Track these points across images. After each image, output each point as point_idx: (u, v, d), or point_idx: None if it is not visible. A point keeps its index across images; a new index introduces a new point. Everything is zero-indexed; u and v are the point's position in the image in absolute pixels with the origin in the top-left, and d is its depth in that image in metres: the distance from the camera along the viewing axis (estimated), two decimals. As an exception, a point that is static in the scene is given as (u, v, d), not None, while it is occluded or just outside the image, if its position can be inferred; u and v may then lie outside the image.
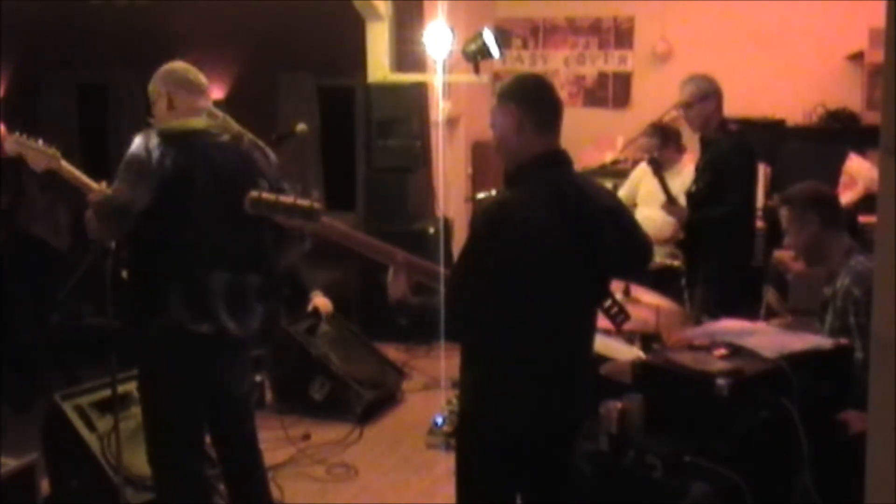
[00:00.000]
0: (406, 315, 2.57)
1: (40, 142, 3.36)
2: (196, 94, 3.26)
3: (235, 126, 3.26)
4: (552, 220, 2.47)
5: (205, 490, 3.46)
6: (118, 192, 3.05)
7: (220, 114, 3.27)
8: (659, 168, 4.79)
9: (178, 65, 3.31)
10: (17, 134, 3.37)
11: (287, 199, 2.51)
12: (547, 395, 2.55)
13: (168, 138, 3.08)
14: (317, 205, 2.52)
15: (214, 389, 3.26)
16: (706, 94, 4.55)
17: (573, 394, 2.59)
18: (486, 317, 2.47)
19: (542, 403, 2.55)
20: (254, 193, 2.52)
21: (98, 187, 3.24)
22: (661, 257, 4.94)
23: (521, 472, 2.63)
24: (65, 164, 3.34)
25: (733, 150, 4.56)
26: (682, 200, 4.78)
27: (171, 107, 3.23)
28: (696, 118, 4.61)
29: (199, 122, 3.19)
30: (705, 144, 4.71)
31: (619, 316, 2.67)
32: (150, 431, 3.28)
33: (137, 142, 3.07)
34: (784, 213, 3.42)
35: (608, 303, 2.67)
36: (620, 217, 2.68)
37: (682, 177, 5.30)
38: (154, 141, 3.06)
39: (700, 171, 4.72)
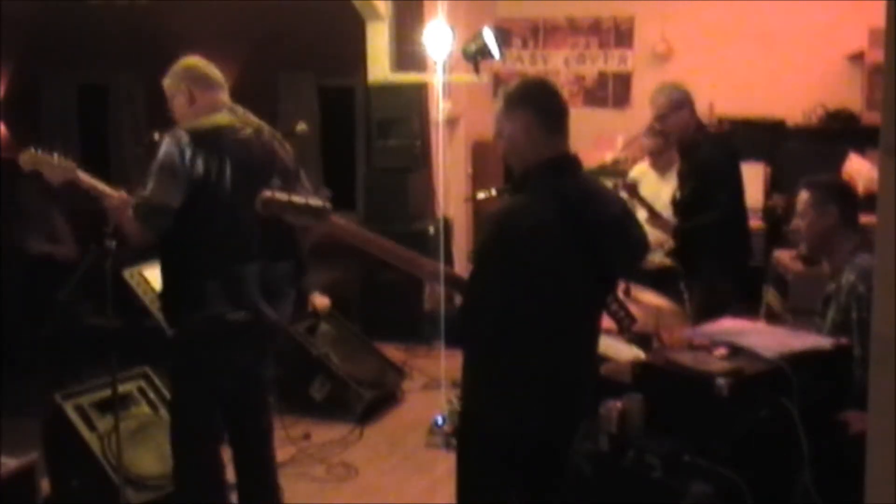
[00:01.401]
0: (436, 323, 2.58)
1: (55, 155, 3.36)
2: (215, 89, 3.31)
3: (255, 119, 3.33)
4: (556, 226, 2.47)
5: (225, 486, 3.50)
6: (155, 193, 3.11)
7: (239, 108, 3.33)
8: (635, 191, 4.77)
9: (195, 60, 3.35)
10: (32, 150, 3.36)
11: (299, 199, 2.52)
12: (548, 397, 2.56)
13: (198, 137, 3.14)
14: (328, 205, 2.53)
15: (240, 377, 3.34)
16: (678, 103, 4.57)
17: (574, 396, 2.60)
18: (491, 319, 2.49)
19: (544, 405, 2.56)
20: (266, 193, 2.53)
21: (117, 194, 3.27)
22: (660, 257, 4.94)
23: (522, 472, 2.63)
24: (82, 174, 3.36)
25: (715, 153, 4.55)
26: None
27: (191, 102, 3.27)
28: (672, 128, 4.64)
29: (224, 119, 3.24)
30: (685, 151, 4.70)
31: (625, 320, 2.69)
32: (180, 427, 3.36)
33: (168, 142, 3.13)
34: (804, 196, 3.33)
35: (614, 306, 2.68)
36: (626, 224, 2.66)
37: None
38: (185, 140, 3.11)
39: (683, 177, 4.70)
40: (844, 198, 3.33)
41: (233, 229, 3.17)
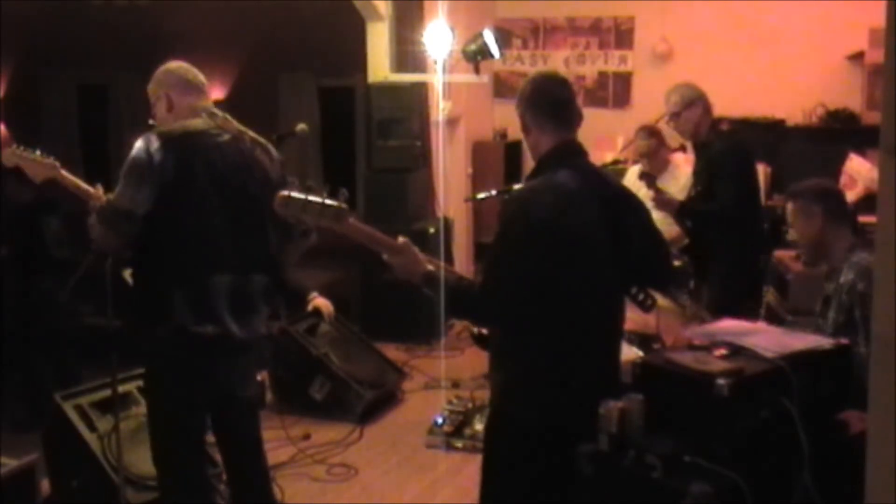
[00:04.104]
0: (433, 289, 2.59)
1: (38, 152, 3.32)
2: (195, 94, 3.23)
3: (235, 125, 3.22)
4: (579, 196, 2.60)
5: (208, 491, 3.46)
6: (120, 197, 3.01)
7: (219, 113, 3.23)
8: (653, 180, 4.78)
9: (176, 65, 3.27)
10: (15, 146, 3.33)
11: (316, 199, 2.49)
12: (574, 384, 2.60)
13: (168, 141, 3.03)
14: (345, 205, 2.51)
15: (219, 392, 3.24)
16: (691, 101, 4.58)
17: (599, 382, 2.62)
18: (516, 301, 2.54)
19: (570, 392, 2.60)
20: (283, 193, 2.49)
21: (97, 192, 3.23)
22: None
23: (548, 464, 2.64)
24: (64, 172, 3.31)
25: (725, 150, 4.57)
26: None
27: (170, 108, 3.20)
28: (685, 126, 4.65)
29: (198, 124, 3.15)
30: (699, 149, 4.73)
31: (646, 301, 2.73)
32: (155, 432, 3.28)
33: (138, 145, 3.03)
34: (790, 206, 3.43)
35: (633, 289, 2.72)
36: (636, 203, 2.83)
37: (677, 178, 5.30)
38: (155, 144, 3.01)
39: (697, 175, 4.74)
40: (827, 197, 3.37)
41: (202, 237, 3.06)
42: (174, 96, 3.20)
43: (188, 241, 3.06)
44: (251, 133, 3.25)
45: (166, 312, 3.04)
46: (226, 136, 3.17)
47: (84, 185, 3.27)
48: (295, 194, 2.48)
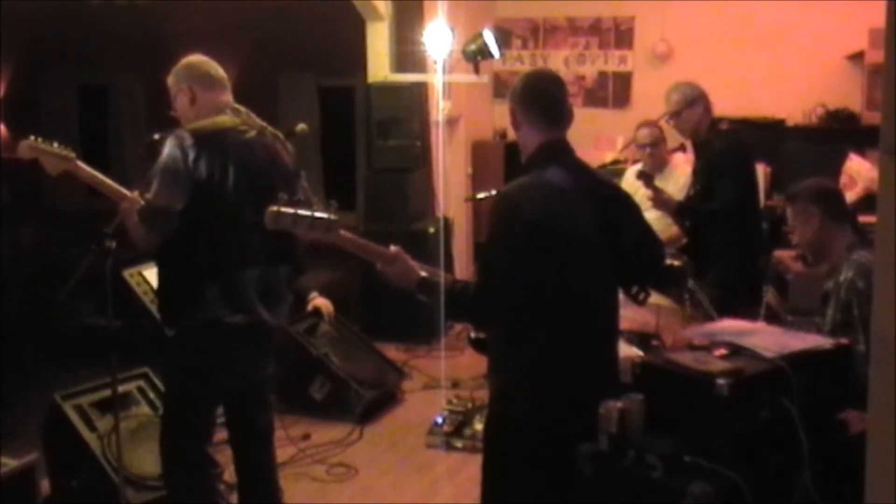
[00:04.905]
0: (428, 295, 2.61)
1: (56, 145, 3.31)
2: (217, 89, 3.27)
3: (258, 120, 3.29)
4: (569, 192, 2.60)
5: (214, 488, 3.49)
6: (158, 197, 3.07)
7: (242, 109, 3.28)
8: (651, 180, 4.77)
9: (198, 59, 3.31)
10: (32, 139, 3.31)
11: (306, 212, 2.50)
12: (571, 381, 2.61)
13: (201, 138, 3.09)
14: (334, 217, 2.52)
15: (239, 375, 3.31)
16: (692, 100, 4.58)
17: (596, 379, 2.63)
18: (511, 299, 2.54)
19: (567, 390, 2.61)
20: (273, 208, 2.51)
21: (117, 187, 3.24)
22: (669, 256, 4.92)
23: (547, 466, 2.64)
24: (81, 164, 3.31)
25: (726, 149, 4.58)
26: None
27: (193, 102, 3.24)
28: (685, 124, 4.65)
29: (227, 120, 3.20)
30: (699, 148, 4.73)
31: (639, 295, 2.75)
32: (167, 427, 3.33)
33: (172, 143, 3.07)
34: (789, 210, 3.45)
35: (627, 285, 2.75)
36: (629, 200, 2.85)
37: (676, 179, 5.29)
38: (188, 141, 3.07)
39: (696, 174, 4.74)
40: (823, 197, 3.38)
41: (234, 233, 3.14)
42: (197, 90, 3.25)
43: (220, 237, 3.14)
44: (270, 128, 3.31)
45: (199, 305, 3.12)
46: (252, 133, 3.23)
47: (103, 178, 3.28)
48: (284, 209, 2.49)
